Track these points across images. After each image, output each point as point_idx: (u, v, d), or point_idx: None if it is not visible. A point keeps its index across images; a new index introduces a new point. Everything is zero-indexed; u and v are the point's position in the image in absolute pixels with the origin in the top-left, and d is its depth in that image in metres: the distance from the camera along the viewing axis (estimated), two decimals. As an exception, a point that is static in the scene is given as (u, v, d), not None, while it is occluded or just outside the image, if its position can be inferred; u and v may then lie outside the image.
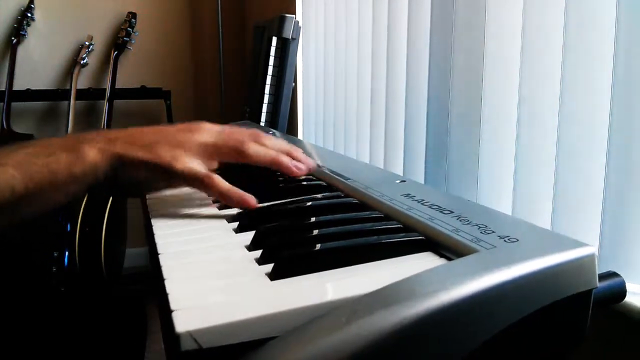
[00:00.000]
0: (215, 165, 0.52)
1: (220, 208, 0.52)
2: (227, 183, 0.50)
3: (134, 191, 0.57)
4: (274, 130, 1.01)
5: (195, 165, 0.50)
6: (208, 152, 0.51)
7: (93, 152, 0.48)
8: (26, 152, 0.47)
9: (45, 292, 1.79)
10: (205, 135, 0.52)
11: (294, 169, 0.54)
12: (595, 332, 0.37)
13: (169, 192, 0.59)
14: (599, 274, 0.34)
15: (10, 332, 1.58)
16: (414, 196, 0.47)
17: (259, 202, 0.51)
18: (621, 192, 0.55)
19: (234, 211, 0.50)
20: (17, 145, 0.48)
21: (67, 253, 1.83)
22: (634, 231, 0.55)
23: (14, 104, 2.07)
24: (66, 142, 0.49)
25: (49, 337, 1.63)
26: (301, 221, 0.45)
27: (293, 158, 0.56)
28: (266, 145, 0.54)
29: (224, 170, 0.56)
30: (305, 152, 0.73)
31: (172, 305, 0.30)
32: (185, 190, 0.61)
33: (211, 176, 0.50)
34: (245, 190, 0.55)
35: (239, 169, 0.59)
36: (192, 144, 0.51)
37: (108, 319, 1.81)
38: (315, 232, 0.42)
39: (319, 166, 0.62)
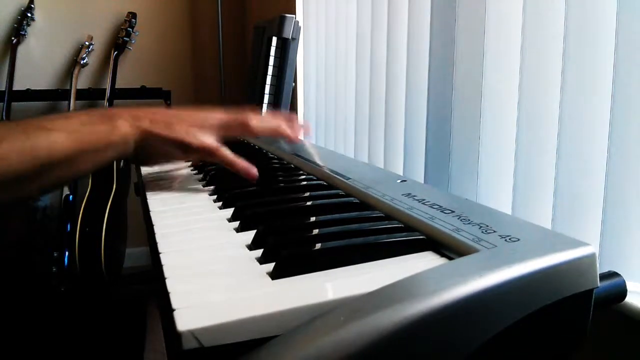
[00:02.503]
0: (222, 138, 0.61)
1: (221, 208, 0.52)
2: (233, 154, 0.59)
3: (154, 161, 0.67)
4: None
5: (206, 139, 0.59)
6: (218, 127, 0.60)
7: (125, 126, 0.57)
8: (78, 121, 0.56)
9: (45, 292, 1.79)
10: (216, 115, 0.61)
11: (292, 134, 0.64)
12: (596, 332, 0.37)
13: (169, 194, 0.59)
14: (599, 274, 0.34)
15: (10, 332, 1.57)
16: (415, 196, 0.47)
17: (260, 202, 0.51)
18: (622, 191, 0.55)
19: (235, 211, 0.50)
20: (66, 115, 0.61)
21: (67, 253, 1.83)
22: (634, 230, 0.55)
23: (14, 104, 2.07)
24: (103, 115, 0.58)
25: (49, 337, 1.63)
26: (302, 220, 0.45)
27: (292, 126, 0.65)
28: (264, 120, 0.64)
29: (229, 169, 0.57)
30: (305, 152, 0.73)
31: (174, 304, 0.30)
32: (186, 191, 0.61)
33: (220, 148, 0.59)
34: (246, 191, 0.55)
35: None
36: (205, 122, 0.60)
37: (107, 319, 1.81)
38: (316, 231, 0.42)
39: (319, 166, 0.62)
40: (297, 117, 0.67)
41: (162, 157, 0.64)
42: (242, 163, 0.59)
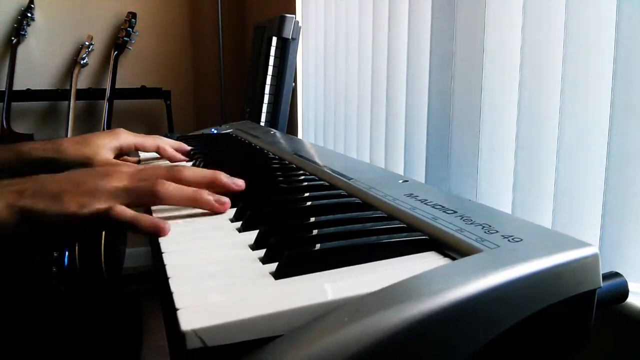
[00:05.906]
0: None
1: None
2: (132, 211, 0.47)
3: (46, 243, 0.54)
4: (275, 130, 1.01)
5: (103, 207, 0.47)
6: (119, 197, 0.49)
7: None
8: None
9: (45, 292, 1.79)
10: (117, 180, 0.50)
11: (216, 205, 0.50)
12: (597, 332, 0.37)
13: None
14: (601, 274, 0.34)
15: (10, 332, 1.57)
16: (417, 196, 0.47)
17: (262, 203, 0.51)
18: (622, 191, 0.55)
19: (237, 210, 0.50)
20: None
21: (67, 253, 1.83)
22: (634, 231, 0.55)
23: (14, 104, 2.07)
24: None
25: (49, 336, 1.62)
26: (304, 221, 0.45)
27: (217, 186, 0.52)
28: (185, 181, 0.51)
29: (230, 169, 0.56)
30: (305, 152, 0.73)
31: (177, 304, 0.30)
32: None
33: (114, 207, 0.47)
34: (248, 191, 0.54)
35: (243, 169, 0.59)
36: (102, 190, 0.48)
37: (105, 318, 1.81)
38: (319, 231, 0.42)
39: (321, 166, 0.62)
40: (223, 176, 0.53)
41: (56, 238, 0.52)
42: (146, 220, 0.46)
